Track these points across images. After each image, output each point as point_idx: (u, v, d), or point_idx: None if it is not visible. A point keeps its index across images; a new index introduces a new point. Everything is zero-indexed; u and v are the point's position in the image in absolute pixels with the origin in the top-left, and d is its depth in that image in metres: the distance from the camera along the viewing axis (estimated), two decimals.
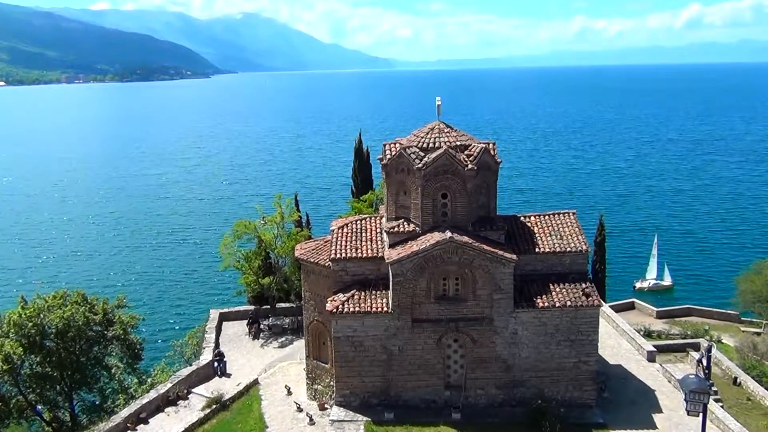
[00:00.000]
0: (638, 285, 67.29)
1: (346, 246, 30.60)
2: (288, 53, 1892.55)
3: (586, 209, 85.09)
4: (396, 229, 29.94)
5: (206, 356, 37.32)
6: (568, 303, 28.96)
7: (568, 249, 30.30)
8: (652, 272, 67.49)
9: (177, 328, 59.05)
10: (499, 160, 30.70)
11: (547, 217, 32.22)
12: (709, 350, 34.22)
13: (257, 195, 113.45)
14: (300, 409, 31.29)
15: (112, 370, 39.04)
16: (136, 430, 31.31)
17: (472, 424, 28.68)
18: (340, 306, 29.12)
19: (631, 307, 51.45)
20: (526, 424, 28.60)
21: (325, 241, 32.60)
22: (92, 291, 47.47)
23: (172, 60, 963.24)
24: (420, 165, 29.02)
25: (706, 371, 32.39)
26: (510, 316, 29.09)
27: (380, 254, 30.03)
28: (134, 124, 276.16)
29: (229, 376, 36.05)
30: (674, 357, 37.73)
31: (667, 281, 67.36)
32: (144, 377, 40.51)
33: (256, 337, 41.37)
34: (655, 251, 67.40)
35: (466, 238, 28.59)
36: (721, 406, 30.66)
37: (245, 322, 43.13)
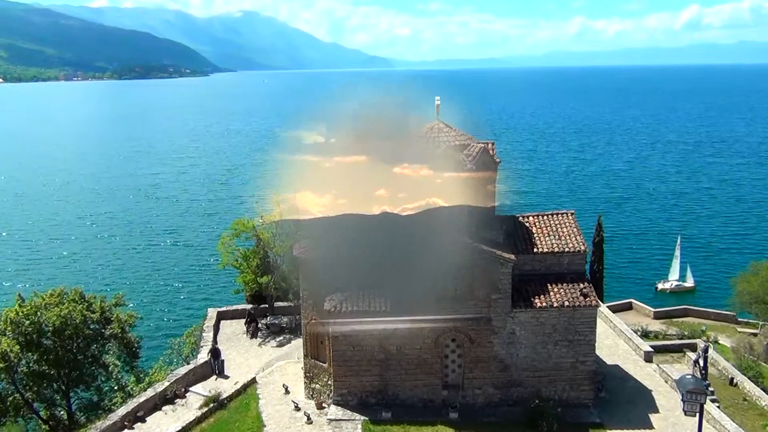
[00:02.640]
0: (660, 286, 66.50)
1: None
2: (287, 52, 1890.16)
3: (585, 210, 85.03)
4: None
5: (204, 355, 37.25)
6: (566, 303, 29.00)
7: (567, 249, 30.35)
8: (674, 274, 66.35)
9: (175, 326, 58.89)
10: (498, 159, 30.73)
11: (545, 217, 32.28)
12: (705, 350, 34.38)
13: (255, 195, 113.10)
14: (298, 408, 31.25)
15: (110, 369, 38.89)
16: (134, 428, 31.26)
17: (470, 424, 28.73)
18: (338, 305, 29.11)
19: (628, 307, 51.50)
20: (523, 423, 28.68)
21: None
22: (90, 289, 47.35)
23: (171, 58, 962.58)
24: None
25: (703, 371, 32.51)
26: (508, 316, 29.13)
27: None
28: (132, 122, 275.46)
29: (226, 376, 35.98)
30: (671, 357, 37.84)
31: (690, 283, 66.19)
32: (141, 375, 40.39)
33: (254, 336, 41.30)
34: (677, 252, 66.01)
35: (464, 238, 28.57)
36: (718, 407, 30.69)
37: (243, 320, 43.06)
